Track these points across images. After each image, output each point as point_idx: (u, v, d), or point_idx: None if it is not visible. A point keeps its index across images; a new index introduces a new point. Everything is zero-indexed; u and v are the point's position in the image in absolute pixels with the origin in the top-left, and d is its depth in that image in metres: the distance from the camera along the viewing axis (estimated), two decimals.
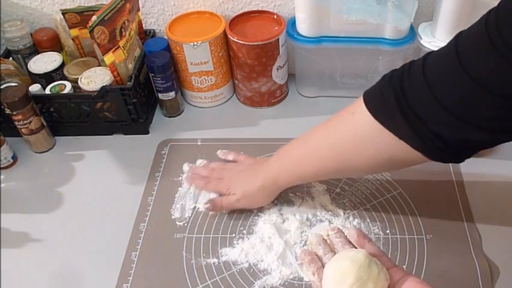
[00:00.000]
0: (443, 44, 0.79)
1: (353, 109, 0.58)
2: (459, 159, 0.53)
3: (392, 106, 0.51)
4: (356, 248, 0.55)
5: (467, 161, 0.54)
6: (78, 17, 0.87)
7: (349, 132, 0.58)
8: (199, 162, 0.80)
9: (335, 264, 0.51)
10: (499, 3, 0.43)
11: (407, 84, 0.51)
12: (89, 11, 0.86)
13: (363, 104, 0.55)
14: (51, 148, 0.85)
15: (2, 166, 0.81)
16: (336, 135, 0.60)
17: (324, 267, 0.53)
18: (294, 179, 0.67)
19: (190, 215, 0.72)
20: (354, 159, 0.58)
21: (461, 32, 0.48)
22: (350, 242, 0.55)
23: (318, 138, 0.63)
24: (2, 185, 0.79)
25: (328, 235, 0.58)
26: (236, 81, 0.91)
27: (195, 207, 0.73)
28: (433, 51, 0.51)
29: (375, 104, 0.54)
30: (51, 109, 0.84)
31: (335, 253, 0.55)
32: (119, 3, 0.79)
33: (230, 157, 0.78)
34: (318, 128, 0.64)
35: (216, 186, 0.72)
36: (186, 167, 0.79)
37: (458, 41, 0.47)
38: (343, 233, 0.57)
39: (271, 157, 0.69)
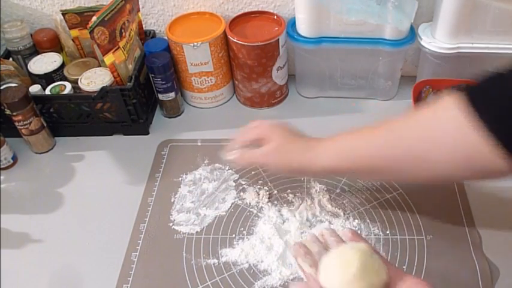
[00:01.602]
0: (443, 44, 0.81)
1: (439, 105, 0.52)
2: None
3: (490, 96, 0.48)
4: None
5: None
6: (78, 18, 0.87)
7: (428, 126, 0.52)
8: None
9: (337, 252, 0.50)
10: None
11: (505, 80, 0.47)
12: (89, 11, 0.86)
13: (451, 99, 0.50)
14: (51, 149, 0.85)
15: (2, 167, 0.81)
16: (411, 132, 0.54)
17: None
18: (339, 161, 0.59)
19: None
20: (428, 151, 0.52)
21: None
22: (343, 241, 0.55)
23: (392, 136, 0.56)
24: (2, 186, 0.79)
25: (322, 234, 0.57)
26: (236, 82, 0.91)
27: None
28: None
29: (470, 96, 0.49)
30: (51, 110, 0.84)
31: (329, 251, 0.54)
32: (118, 4, 0.79)
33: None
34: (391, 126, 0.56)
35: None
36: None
37: None
38: (336, 233, 0.56)
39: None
